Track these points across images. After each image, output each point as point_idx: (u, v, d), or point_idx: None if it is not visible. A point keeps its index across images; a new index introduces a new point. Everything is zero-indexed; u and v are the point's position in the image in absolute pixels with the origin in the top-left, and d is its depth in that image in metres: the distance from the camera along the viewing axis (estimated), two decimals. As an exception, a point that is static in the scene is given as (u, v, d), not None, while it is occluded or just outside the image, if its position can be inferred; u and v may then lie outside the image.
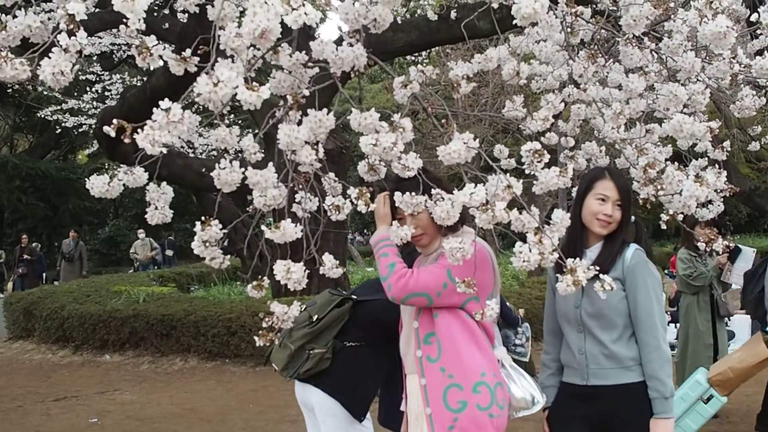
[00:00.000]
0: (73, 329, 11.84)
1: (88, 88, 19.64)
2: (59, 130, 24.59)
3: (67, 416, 8.27)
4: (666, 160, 3.54)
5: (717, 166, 4.09)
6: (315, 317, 3.79)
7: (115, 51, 17.22)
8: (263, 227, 2.48)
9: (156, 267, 23.05)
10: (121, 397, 9.12)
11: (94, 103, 19.75)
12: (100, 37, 14.80)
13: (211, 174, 2.29)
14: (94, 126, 16.36)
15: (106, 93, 19.50)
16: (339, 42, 2.55)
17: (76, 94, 19.95)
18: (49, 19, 2.52)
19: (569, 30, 3.13)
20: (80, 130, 21.82)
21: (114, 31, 13.72)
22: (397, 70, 31.19)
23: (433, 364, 3.16)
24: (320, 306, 3.85)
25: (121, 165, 12.53)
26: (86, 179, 2.45)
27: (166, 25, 10.14)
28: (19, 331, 13.13)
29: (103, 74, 19.17)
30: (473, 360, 3.13)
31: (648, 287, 3.20)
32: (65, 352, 11.78)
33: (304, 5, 1.96)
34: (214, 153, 19.34)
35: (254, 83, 2.00)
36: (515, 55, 3.49)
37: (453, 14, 8.24)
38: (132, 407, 8.61)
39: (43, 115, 21.86)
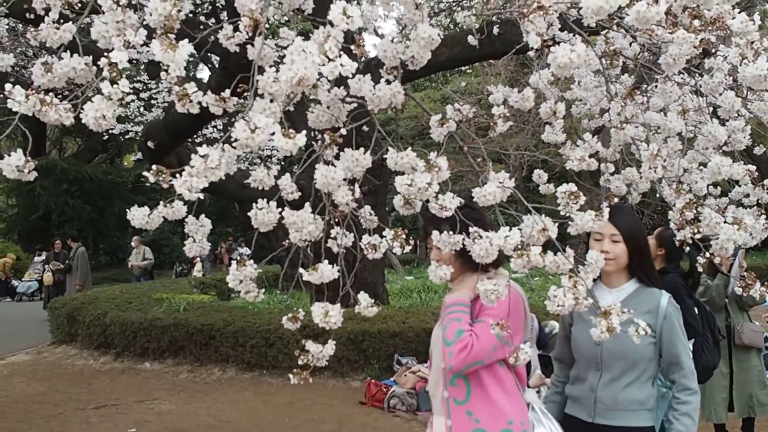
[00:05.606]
0: (114, 336, 12.02)
1: (134, 96, 19.84)
2: (106, 136, 24.90)
3: (107, 425, 8.40)
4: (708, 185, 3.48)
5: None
6: None
7: (161, 59, 17.37)
8: (301, 270, 2.49)
9: (148, 279, 21.33)
10: (159, 406, 9.22)
11: (141, 110, 20.00)
12: (147, 45, 14.90)
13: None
14: (139, 134, 16.54)
15: (152, 101, 19.71)
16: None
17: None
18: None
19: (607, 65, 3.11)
20: (127, 136, 22.06)
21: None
22: (440, 79, 31.02)
23: (459, 406, 3.11)
24: None
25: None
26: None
27: (212, 38, 10.20)
28: (63, 335, 13.35)
29: (149, 82, 19.38)
30: (501, 406, 3.09)
31: (682, 334, 3.21)
32: (107, 358, 11.96)
33: (340, 56, 1.98)
34: (257, 160, 19.47)
35: (290, 130, 2.02)
36: (556, 82, 3.46)
37: (495, 30, 8.22)
38: (170, 417, 8.72)
39: (90, 121, 22.06)
